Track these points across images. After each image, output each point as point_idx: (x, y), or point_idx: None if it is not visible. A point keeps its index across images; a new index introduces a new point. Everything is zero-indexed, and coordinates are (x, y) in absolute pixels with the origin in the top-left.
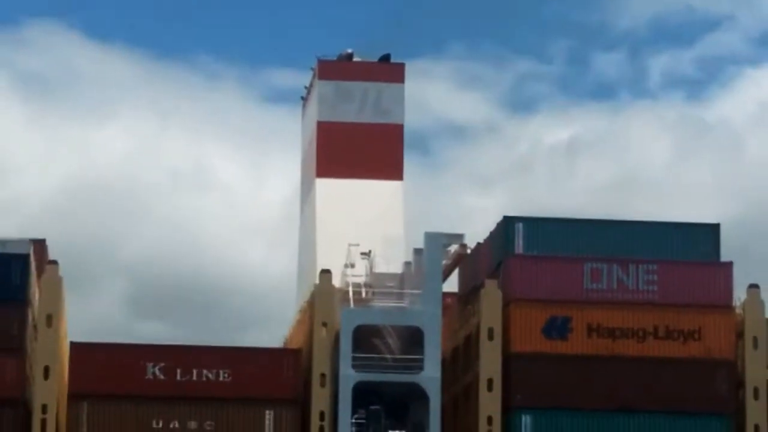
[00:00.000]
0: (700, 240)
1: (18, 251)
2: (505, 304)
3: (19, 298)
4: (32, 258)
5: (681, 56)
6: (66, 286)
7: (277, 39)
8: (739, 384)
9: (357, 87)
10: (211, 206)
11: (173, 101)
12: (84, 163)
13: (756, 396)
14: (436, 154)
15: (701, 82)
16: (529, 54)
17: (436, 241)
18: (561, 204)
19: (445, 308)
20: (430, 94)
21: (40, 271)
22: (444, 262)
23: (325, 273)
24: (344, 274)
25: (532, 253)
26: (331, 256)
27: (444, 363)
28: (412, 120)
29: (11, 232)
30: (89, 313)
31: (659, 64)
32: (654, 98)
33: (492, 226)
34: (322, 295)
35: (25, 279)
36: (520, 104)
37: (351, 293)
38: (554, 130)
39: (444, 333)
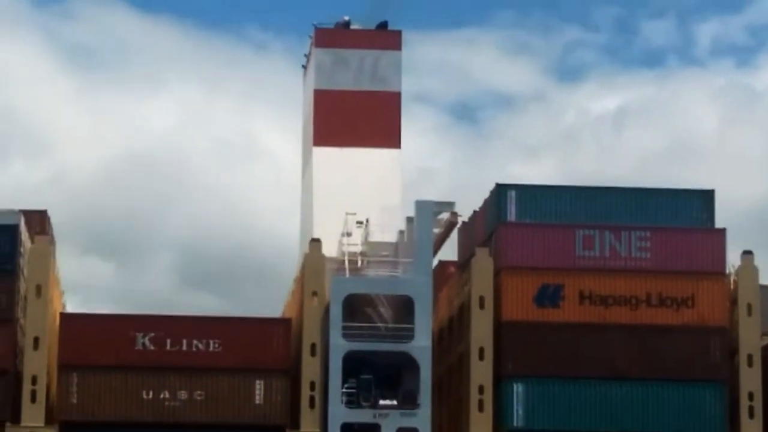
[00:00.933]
0: (693, 206)
1: (7, 222)
2: (497, 273)
3: (8, 269)
4: (23, 228)
5: (730, 23)
6: (112, 257)
7: (323, 8)
8: (733, 351)
9: (354, 55)
10: (259, 176)
11: (220, 72)
12: (131, 135)
13: (750, 363)
14: (483, 123)
15: (750, 49)
16: (577, 22)
17: (427, 209)
18: (608, 173)
19: (448, 277)
20: (477, 63)
21: None
22: (436, 230)
23: (315, 242)
24: (341, 243)
25: (524, 220)
26: (328, 225)
27: (442, 332)
28: (458, 88)
29: (59, 205)
30: (137, 284)
31: (708, 30)
32: (702, 66)
33: None
34: (312, 264)
35: (14, 249)
36: (568, 73)
37: (347, 262)
38: (602, 98)
39: (443, 302)
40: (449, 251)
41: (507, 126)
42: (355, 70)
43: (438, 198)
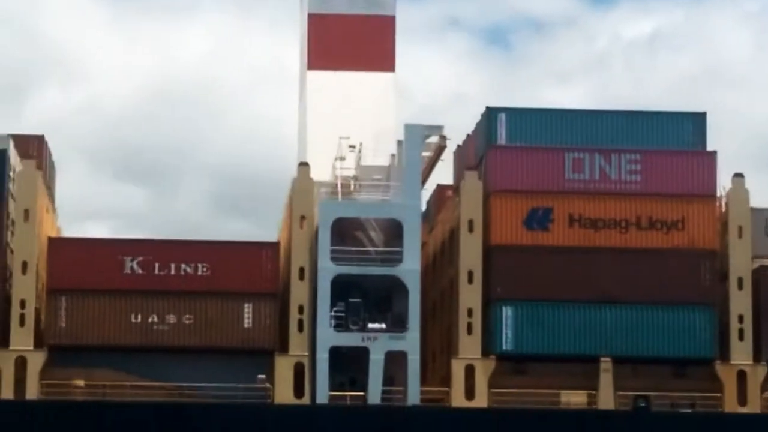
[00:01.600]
0: (685, 129)
1: None
2: (486, 196)
3: None
4: (12, 153)
5: None
6: (146, 184)
7: None
8: (724, 274)
9: None
10: (292, 104)
11: None
12: (165, 63)
13: (740, 286)
14: (515, 48)
15: None
16: None
17: (416, 132)
18: (640, 98)
19: (446, 200)
20: None
21: (38, 167)
22: (427, 154)
23: (303, 166)
24: (334, 168)
25: (514, 143)
26: (322, 150)
27: (435, 256)
28: (490, 13)
29: (93, 132)
30: (170, 210)
31: None
32: None
33: None
34: (300, 188)
35: (2, 174)
36: None
37: (339, 186)
38: (634, 23)
39: (440, 226)
40: (449, 175)
41: (539, 51)
42: None
43: (468, 124)
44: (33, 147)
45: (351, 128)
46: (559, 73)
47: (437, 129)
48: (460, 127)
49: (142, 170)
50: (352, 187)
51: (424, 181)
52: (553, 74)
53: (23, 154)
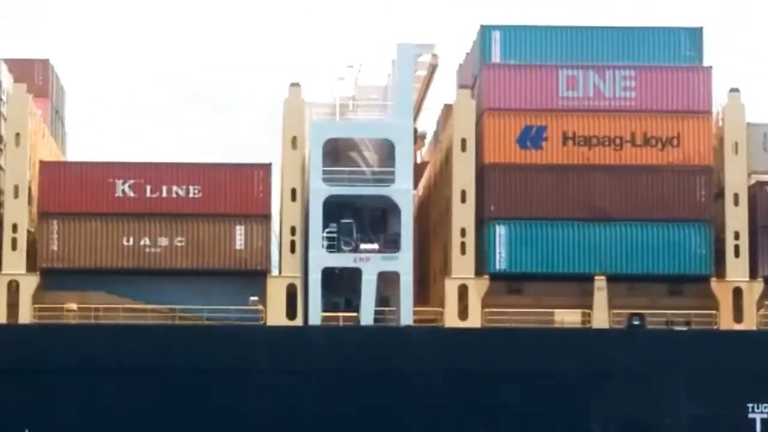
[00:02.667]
0: (681, 45)
1: None
2: (479, 115)
3: None
4: (4, 77)
5: None
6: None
7: None
8: (720, 191)
9: None
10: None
11: None
12: None
13: (736, 202)
14: None
15: None
16: None
17: (408, 51)
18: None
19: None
20: None
21: (42, 93)
22: (421, 73)
23: (294, 86)
24: (333, 88)
25: (508, 61)
26: (322, 71)
27: (436, 176)
28: None
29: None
30: (230, 134)
31: None
32: None
33: None
34: (291, 109)
35: None
36: None
37: (338, 106)
38: None
39: (439, 146)
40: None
41: None
42: None
43: None
44: (38, 71)
45: (352, 48)
46: None
47: (429, 48)
48: None
49: (197, 96)
50: (350, 107)
51: (420, 101)
52: None
53: (25, 78)
